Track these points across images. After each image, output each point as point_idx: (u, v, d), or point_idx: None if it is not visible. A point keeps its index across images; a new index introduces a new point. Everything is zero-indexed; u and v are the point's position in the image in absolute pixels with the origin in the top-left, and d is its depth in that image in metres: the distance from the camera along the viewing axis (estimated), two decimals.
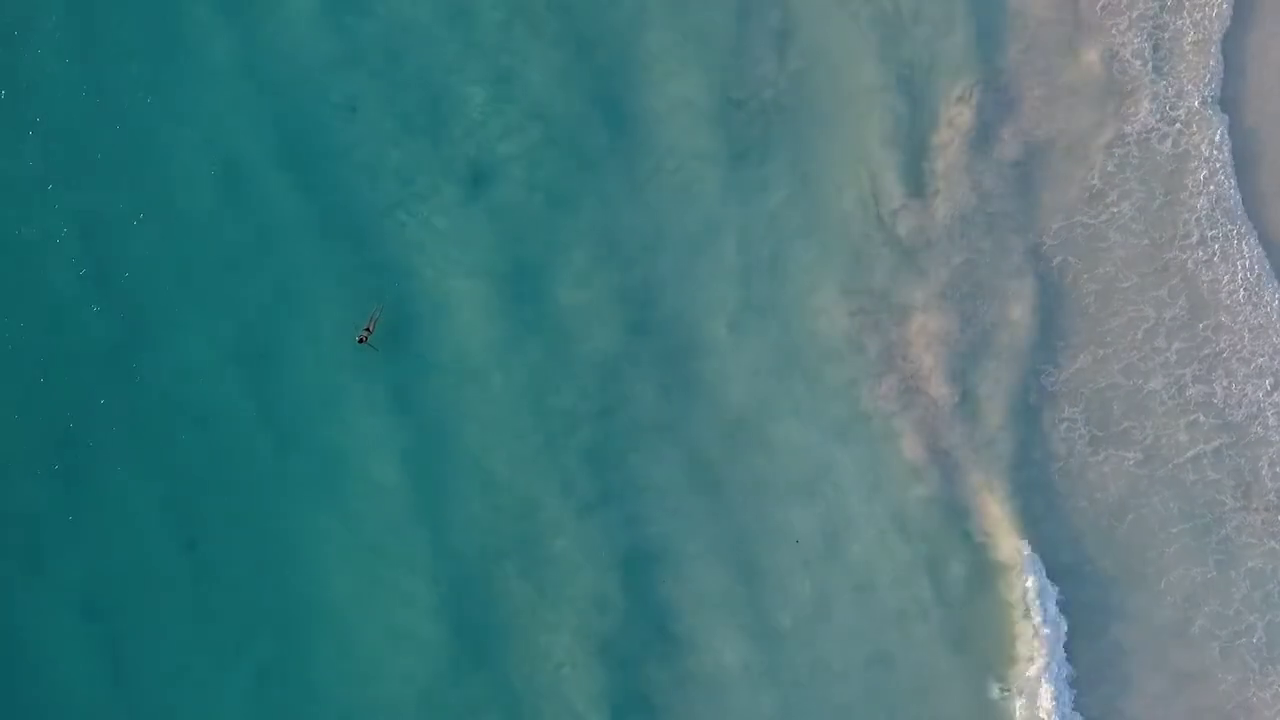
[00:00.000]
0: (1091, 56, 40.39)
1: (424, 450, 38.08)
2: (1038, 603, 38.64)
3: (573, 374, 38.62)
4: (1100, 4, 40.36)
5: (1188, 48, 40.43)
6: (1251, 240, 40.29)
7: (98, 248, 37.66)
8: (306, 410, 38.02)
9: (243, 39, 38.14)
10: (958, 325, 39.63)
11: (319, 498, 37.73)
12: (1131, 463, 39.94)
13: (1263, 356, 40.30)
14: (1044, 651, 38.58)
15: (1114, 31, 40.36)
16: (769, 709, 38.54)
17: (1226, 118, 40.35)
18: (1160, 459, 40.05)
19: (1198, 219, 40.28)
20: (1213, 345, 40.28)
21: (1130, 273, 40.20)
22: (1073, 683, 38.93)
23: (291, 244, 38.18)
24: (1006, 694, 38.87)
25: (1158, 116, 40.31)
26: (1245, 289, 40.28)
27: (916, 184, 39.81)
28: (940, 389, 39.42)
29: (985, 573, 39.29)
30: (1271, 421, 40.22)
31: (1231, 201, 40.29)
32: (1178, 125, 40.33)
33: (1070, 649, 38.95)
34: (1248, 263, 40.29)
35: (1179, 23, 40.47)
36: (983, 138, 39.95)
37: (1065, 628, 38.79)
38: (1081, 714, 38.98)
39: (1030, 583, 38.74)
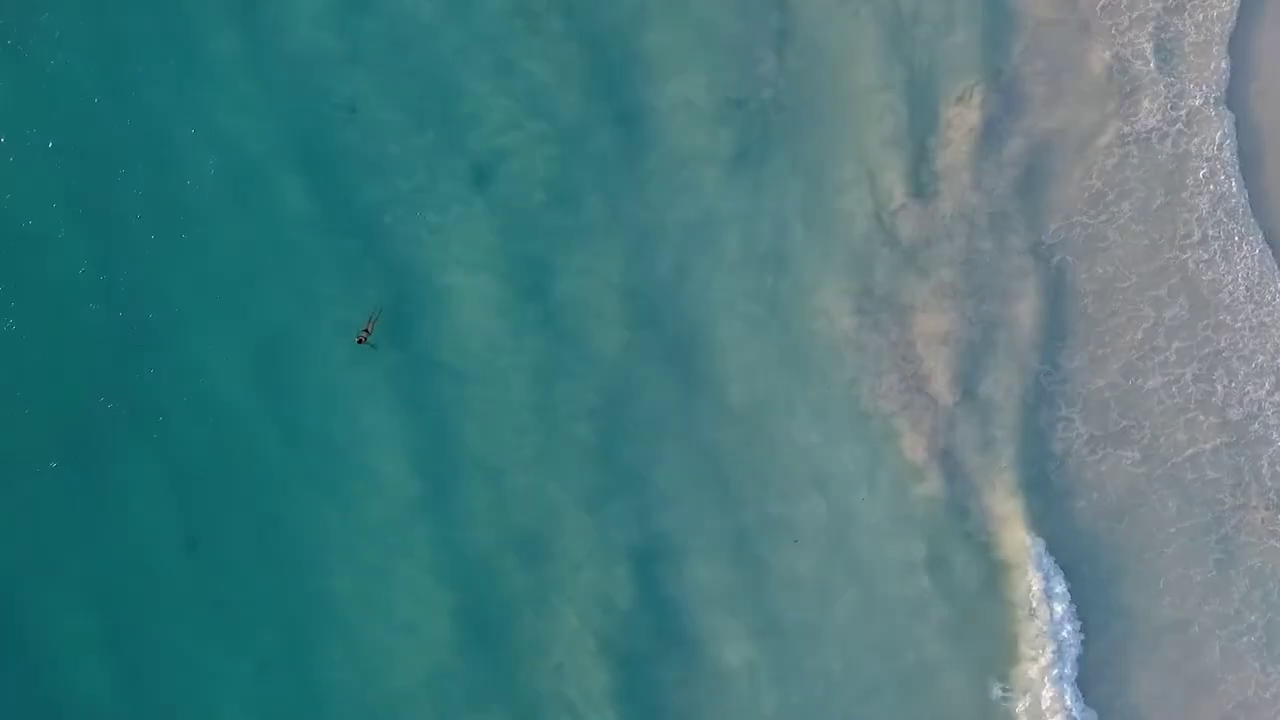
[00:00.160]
0: (1093, 57, 40.45)
1: (429, 446, 38.08)
2: (1044, 599, 38.69)
3: (577, 370, 38.62)
4: (1100, 4, 40.45)
5: (1188, 49, 40.48)
6: (1253, 239, 40.44)
7: (104, 245, 37.65)
8: (312, 406, 38.02)
9: (249, 38, 38.16)
10: (959, 325, 39.67)
11: (324, 492, 37.73)
12: (1129, 461, 39.99)
13: (1262, 355, 40.49)
14: (1051, 647, 38.65)
15: (1115, 32, 40.39)
16: (770, 707, 38.56)
17: (1229, 117, 40.42)
18: (1159, 458, 40.10)
19: (1198, 218, 40.34)
20: (1213, 344, 40.37)
21: (1130, 272, 40.25)
22: (1077, 679, 39.00)
23: (298, 242, 38.17)
24: (1008, 694, 38.86)
25: (1159, 117, 40.37)
26: (1247, 287, 40.43)
27: (917, 184, 39.83)
28: (941, 388, 39.45)
29: (987, 572, 39.34)
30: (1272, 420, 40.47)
31: (1234, 201, 40.40)
32: (1179, 125, 40.38)
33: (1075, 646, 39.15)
34: (1249, 261, 40.47)
35: (1180, 23, 40.53)
36: (983, 138, 39.97)
37: (1072, 623, 38.89)
38: (1091, 709, 39.16)
39: (1037, 579, 38.79)
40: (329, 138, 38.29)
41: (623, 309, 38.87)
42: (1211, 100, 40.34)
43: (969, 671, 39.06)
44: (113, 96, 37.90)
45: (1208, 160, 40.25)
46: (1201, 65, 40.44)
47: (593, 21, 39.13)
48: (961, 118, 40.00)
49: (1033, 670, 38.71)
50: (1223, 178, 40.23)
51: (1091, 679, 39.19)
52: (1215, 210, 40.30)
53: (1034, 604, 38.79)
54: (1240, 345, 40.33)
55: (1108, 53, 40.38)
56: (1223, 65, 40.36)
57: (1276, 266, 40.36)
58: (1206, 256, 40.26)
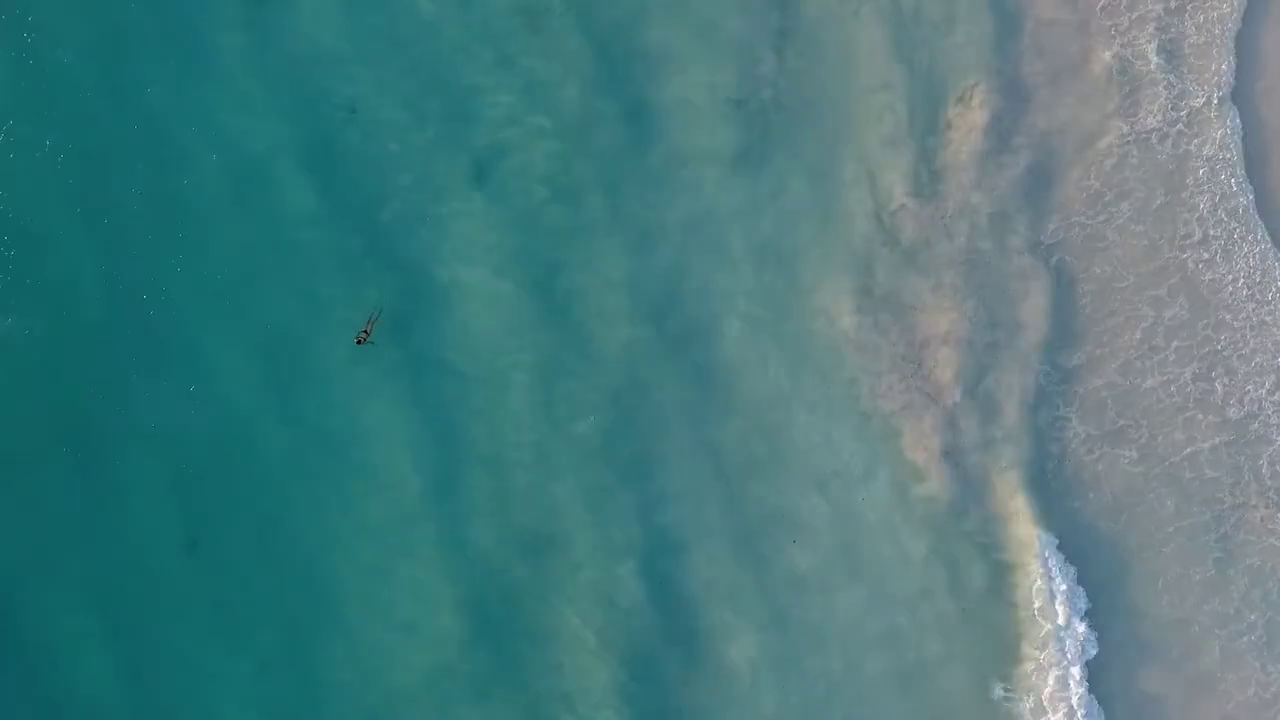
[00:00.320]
0: (1093, 57, 40.57)
1: (431, 444, 37.94)
2: (1049, 598, 38.68)
3: (578, 367, 38.55)
4: (1101, 4, 40.55)
5: (1189, 50, 40.60)
6: (1255, 237, 40.51)
7: (106, 244, 37.46)
8: (314, 404, 37.84)
9: (251, 38, 38.04)
10: (959, 325, 39.69)
11: (326, 491, 37.57)
12: (1128, 460, 40.09)
13: (1263, 354, 40.58)
14: (1056, 647, 38.62)
15: (1115, 32, 40.52)
16: (771, 706, 38.46)
17: (1231, 117, 40.56)
18: (1159, 457, 40.18)
19: (1199, 218, 40.43)
20: (1213, 343, 40.42)
21: (1129, 272, 40.34)
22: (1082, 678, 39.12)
23: (299, 240, 38.02)
24: (1010, 694, 38.83)
25: (1159, 117, 40.47)
26: (1248, 286, 40.49)
27: (917, 184, 39.89)
28: (941, 388, 39.47)
29: (988, 572, 39.36)
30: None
31: (1235, 200, 40.48)
32: (1179, 126, 40.49)
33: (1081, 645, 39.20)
34: (1251, 260, 40.52)
35: (1181, 24, 40.65)
36: (983, 138, 40.05)
37: (1078, 622, 38.92)
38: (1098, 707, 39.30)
39: (1040, 579, 38.77)
40: (331, 136, 38.17)
41: (624, 306, 38.81)
42: (1213, 100, 40.47)
43: (970, 671, 39.09)
44: (115, 96, 37.76)
45: (1208, 160, 40.37)
46: (1202, 66, 40.58)
47: (593, 21, 39.13)
48: (962, 118, 40.07)
49: (1036, 669, 38.73)
50: (1224, 177, 40.35)
51: (1095, 678, 39.20)
52: (1216, 210, 40.40)
53: (1038, 604, 38.80)
54: (1240, 344, 40.43)
55: (1108, 53, 40.50)
56: (1223, 66, 40.52)
57: (1279, 265, 40.54)
58: (1207, 256, 40.37)
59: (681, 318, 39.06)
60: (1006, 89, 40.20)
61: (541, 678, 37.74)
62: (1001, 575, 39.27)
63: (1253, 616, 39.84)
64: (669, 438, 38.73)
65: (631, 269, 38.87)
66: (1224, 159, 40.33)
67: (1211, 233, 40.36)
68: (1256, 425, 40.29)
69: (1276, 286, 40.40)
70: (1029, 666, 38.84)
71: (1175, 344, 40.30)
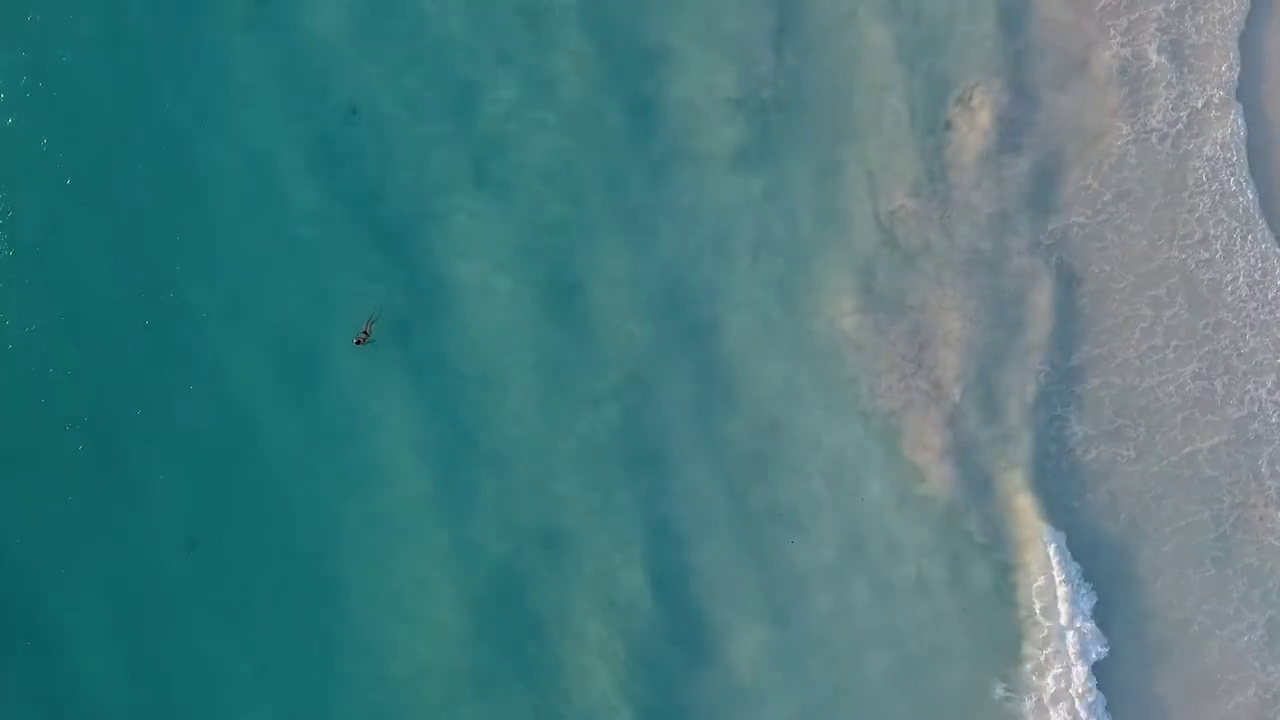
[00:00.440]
0: (1095, 57, 40.54)
1: (438, 440, 38.05)
2: (1052, 598, 38.71)
3: (589, 362, 38.63)
4: (1102, 4, 40.53)
5: (1189, 51, 40.59)
6: (1256, 236, 40.46)
7: (129, 246, 37.65)
8: (322, 400, 37.95)
9: (255, 37, 38.19)
10: (959, 325, 39.68)
11: (334, 487, 37.72)
12: (1127, 460, 40.05)
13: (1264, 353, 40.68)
14: (1060, 647, 38.62)
15: (1117, 33, 40.50)
16: (773, 706, 38.57)
17: (1233, 117, 40.51)
18: (1159, 456, 40.14)
19: (1199, 218, 40.44)
20: (1213, 343, 40.44)
21: (1129, 272, 40.32)
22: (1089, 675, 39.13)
23: (306, 239, 38.12)
24: (1011, 694, 38.83)
25: (1160, 117, 40.48)
26: (1249, 285, 40.46)
27: (916, 184, 39.87)
28: (941, 388, 39.45)
29: (988, 572, 39.30)
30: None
31: (1236, 200, 40.47)
32: (1179, 126, 40.49)
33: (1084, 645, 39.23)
34: (1252, 259, 40.46)
35: (1182, 25, 40.63)
36: (983, 138, 40.02)
37: (1082, 621, 38.92)
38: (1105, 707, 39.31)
39: (1041, 580, 38.80)
40: (334, 135, 38.24)
41: (625, 304, 38.87)
42: (1214, 101, 40.48)
43: (972, 672, 39.06)
44: (122, 96, 37.94)
45: (1208, 160, 40.37)
46: (1204, 67, 40.58)
47: (594, 21, 39.18)
48: (962, 118, 40.06)
49: (1038, 669, 38.73)
50: (1224, 177, 40.34)
51: (1098, 677, 39.11)
52: (1216, 210, 40.40)
53: (1040, 604, 38.79)
54: (1240, 343, 40.44)
55: (1109, 53, 40.49)
56: (1225, 68, 40.51)
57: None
58: (1207, 256, 40.36)
59: (682, 316, 39.11)
60: (1007, 89, 40.16)
61: (544, 674, 37.81)
62: (1003, 575, 39.23)
63: (1253, 616, 39.84)
64: (671, 435, 38.76)
65: (632, 267, 38.92)
66: (1225, 159, 40.33)
67: (1212, 232, 40.36)
68: (1256, 425, 40.35)
69: (1277, 286, 40.43)
70: (1031, 666, 38.83)
71: (1174, 343, 40.29)
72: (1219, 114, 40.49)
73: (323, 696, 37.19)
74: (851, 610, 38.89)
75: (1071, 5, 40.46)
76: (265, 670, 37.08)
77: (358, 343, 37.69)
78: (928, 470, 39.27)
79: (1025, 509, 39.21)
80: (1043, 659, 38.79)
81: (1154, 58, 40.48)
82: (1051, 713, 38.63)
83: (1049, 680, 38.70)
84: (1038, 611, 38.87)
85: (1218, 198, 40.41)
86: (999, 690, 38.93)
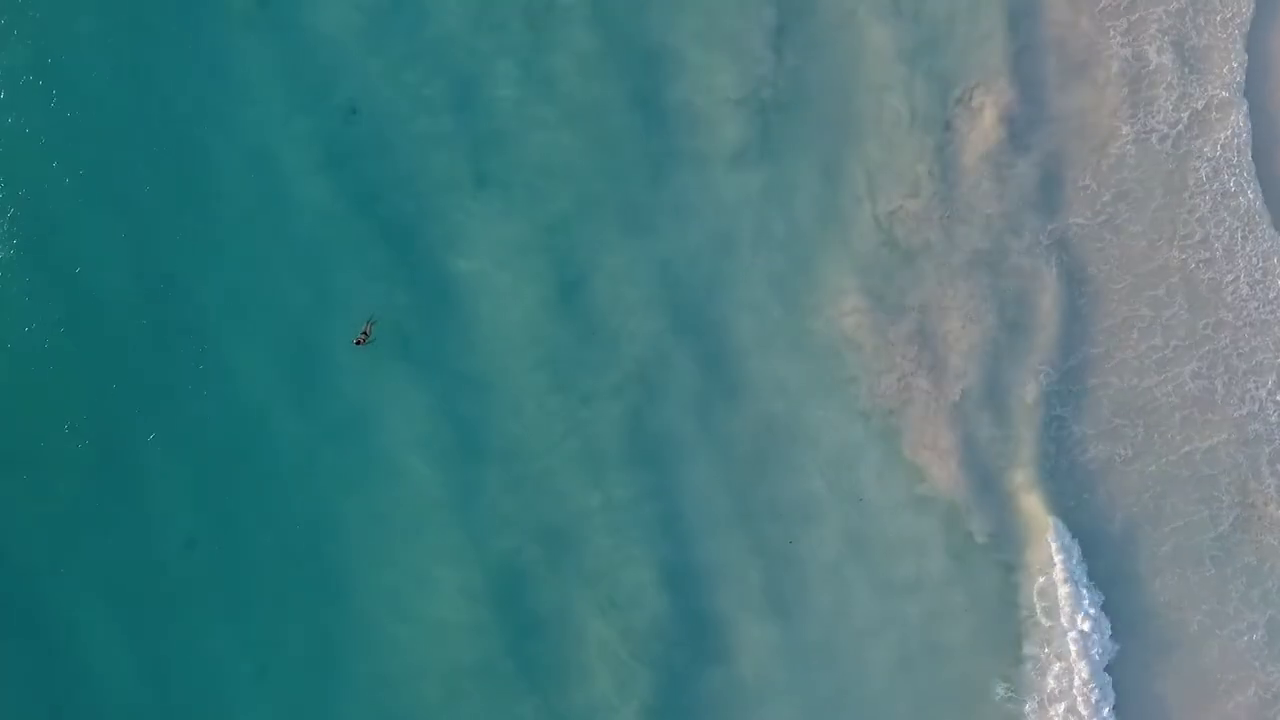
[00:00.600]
0: (1097, 58, 40.59)
1: (446, 437, 38.01)
2: (1055, 597, 38.74)
3: (591, 360, 38.62)
4: (1102, 6, 40.58)
5: (1191, 51, 40.66)
6: (1259, 235, 40.49)
7: (130, 245, 37.56)
8: (329, 399, 37.94)
9: (256, 36, 38.17)
10: (958, 324, 39.69)
11: (342, 487, 37.70)
12: (1123, 459, 40.08)
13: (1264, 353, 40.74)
14: (1063, 647, 38.65)
15: (1118, 34, 40.54)
16: (776, 704, 38.64)
17: (1235, 117, 40.56)
18: (1160, 456, 40.21)
19: (1199, 218, 40.48)
20: (1214, 342, 40.48)
21: (1128, 273, 40.36)
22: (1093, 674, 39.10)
23: (313, 238, 38.12)
24: (1012, 694, 38.80)
25: (1161, 118, 40.52)
26: (1249, 285, 40.52)
27: (916, 185, 39.88)
28: (940, 388, 39.44)
29: (989, 572, 39.35)
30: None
31: (1237, 199, 40.51)
32: (1180, 127, 40.55)
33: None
34: (1254, 259, 40.50)
35: (1183, 26, 40.70)
36: (983, 139, 40.04)
37: (1086, 620, 38.93)
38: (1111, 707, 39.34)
39: (1042, 580, 38.87)
40: (337, 133, 38.20)
41: (625, 302, 38.86)
42: (1215, 102, 40.55)
43: (973, 671, 39.13)
44: (130, 95, 37.94)
45: (1210, 160, 40.43)
46: (1205, 68, 40.65)
47: (595, 21, 39.14)
48: (962, 119, 40.07)
49: (1040, 669, 38.80)
50: (1226, 176, 40.40)
51: (1102, 676, 39.12)
52: (1217, 209, 40.45)
53: (1040, 604, 38.83)
54: (1241, 342, 40.49)
55: (1111, 54, 40.52)
56: (1225, 69, 40.59)
57: None
58: (1207, 255, 40.41)
59: (682, 316, 39.09)
60: (1007, 90, 40.14)
61: (545, 672, 37.84)
62: (1004, 575, 39.31)
63: (1253, 616, 39.87)
64: (672, 434, 38.77)
65: (633, 265, 38.91)
66: (1226, 159, 40.40)
67: (1213, 232, 40.42)
68: (1257, 425, 40.40)
69: (1278, 286, 40.48)
70: (1032, 666, 38.87)
71: (1173, 343, 40.35)
72: (1219, 115, 40.56)
73: (324, 695, 37.17)
74: (852, 611, 38.93)
75: (1072, 6, 40.49)
76: (265, 670, 37.10)
77: (357, 343, 37.65)
78: (927, 470, 39.29)
79: (1029, 509, 39.29)
80: (1044, 659, 38.82)
81: (1154, 58, 40.54)
82: (1052, 713, 38.62)
83: (1050, 680, 38.73)
84: (1039, 611, 38.91)
85: (1218, 198, 40.46)
86: (1000, 690, 38.93)
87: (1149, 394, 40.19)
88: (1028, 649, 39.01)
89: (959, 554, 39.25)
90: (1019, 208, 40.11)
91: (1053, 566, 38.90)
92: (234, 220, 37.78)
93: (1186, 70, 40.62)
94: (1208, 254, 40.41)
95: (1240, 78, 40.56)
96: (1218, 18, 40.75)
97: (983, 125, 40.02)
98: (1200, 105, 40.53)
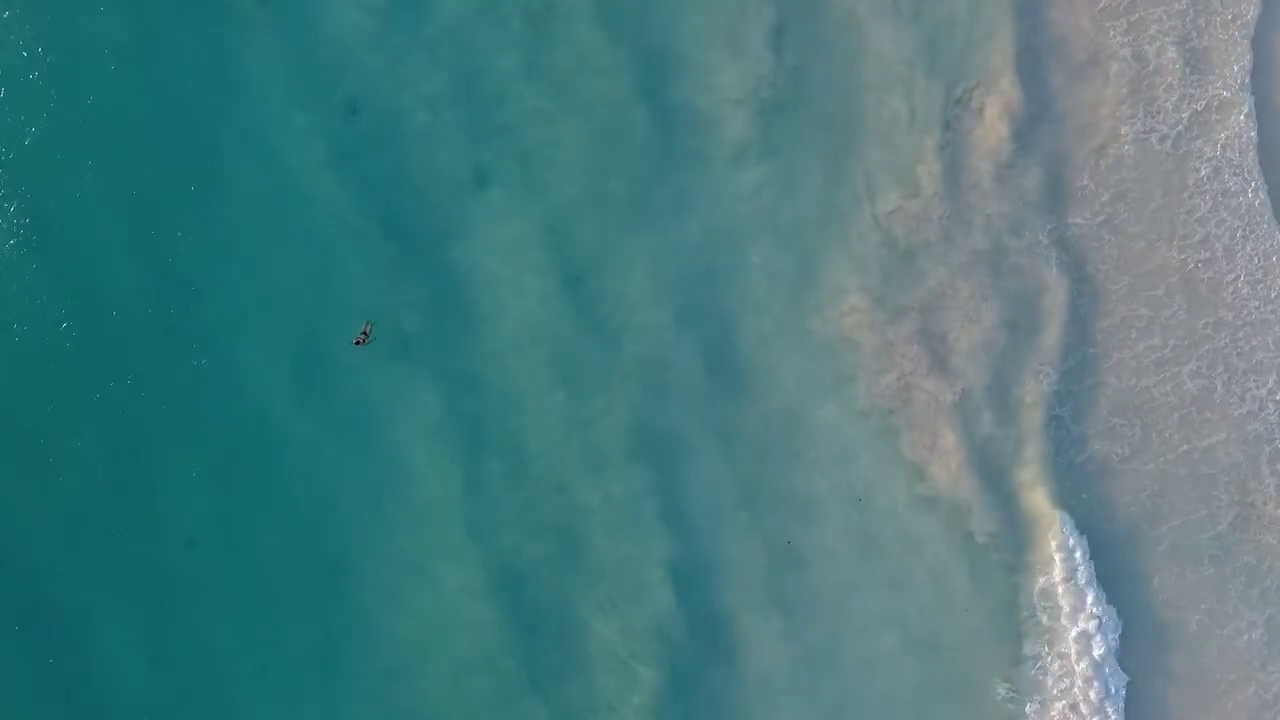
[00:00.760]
0: (1095, 59, 40.66)
1: (454, 435, 38.04)
2: (1057, 597, 38.77)
3: (598, 355, 38.69)
4: (1101, 6, 40.59)
5: (1191, 52, 40.73)
6: (1260, 235, 40.51)
7: (134, 242, 37.57)
8: (336, 397, 37.95)
9: (258, 35, 38.18)
10: (957, 324, 39.71)
11: (353, 484, 37.73)
12: (1120, 457, 40.12)
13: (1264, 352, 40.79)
14: (1066, 646, 38.69)
15: (1116, 34, 40.61)
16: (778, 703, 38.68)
17: (1237, 117, 40.59)
18: (1160, 455, 40.25)
19: (1199, 218, 40.56)
20: (1213, 341, 40.54)
21: (1127, 273, 40.39)
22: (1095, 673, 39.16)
23: (321, 238, 38.16)
24: (1013, 694, 38.82)
25: (1161, 119, 40.59)
26: (1250, 284, 40.58)
27: (915, 185, 39.89)
28: (939, 388, 39.45)
29: (988, 572, 39.37)
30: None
31: (1237, 199, 40.56)
32: (1180, 128, 40.62)
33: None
34: (1255, 259, 40.56)
35: (1184, 27, 40.78)
36: (981, 139, 40.09)
37: (1092, 617, 38.92)
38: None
39: (1049, 573, 38.93)
40: (341, 132, 38.23)
41: (625, 300, 38.89)
42: (1216, 102, 40.61)
43: (973, 671, 39.16)
44: (152, 102, 38.01)
45: (1209, 160, 40.48)
46: (1206, 69, 40.76)
47: (595, 21, 39.15)
48: (961, 119, 40.10)
49: (1041, 669, 38.79)
50: (1227, 175, 40.46)
51: (1105, 674, 39.13)
52: (1218, 209, 40.51)
53: (1042, 604, 38.87)
54: (1241, 342, 40.55)
55: (1111, 55, 40.61)
56: (1227, 70, 40.65)
57: None
58: (1207, 255, 40.46)
59: (682, 315, 39.05)
60: (1006, 91, 40.19)
61: (550, 668, 37.85)
62: (1004, 576, 39.35)
63: (1252, 615, 39.93)
64: (672, 433, 38.77)
65: (633, 263, 38.91)
66: (1227, 158, 40.47)
67: (1213, 232, 40.48)
68: (1257, 425, 40.46)
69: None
70: (1033, 666, 38.87)
71: (1172, 343, 40.39)
72: (1219, 115, 40.64)
73: (325, 692, 37.23)
74: (852, 611, 38.92)
75: (1072, 7, 40.52)
76: (265, 669, 37.17)
77: (356, 344, 37.65)
78: (927, 470, 39.34)
79: (1030, 508, 39.34)
80: (1045, 659, 38.85)
81: (1154, 59, 40.60)
82: (1053, 712, 38.66)
83: (1051, 680, 38.77)
84: (1040, 611, 38.91)
85: (1219, 197, 40.52)
86: (1001, 690, 38.94)
87: (1148, 393, 40.24)
88: (1028, 649, 39.04)
89: (959, 554, 39.26)
90: (1019, 208, 40.15)
91: (1053, 566, 38.93)
92: (235, 219, 37.77)
93: (1188, 70, 40.69)
94: (1208, 254, 40.47)
95: (1244, 78, 40.65)
96: (1218, 19, 40.83)
97: (982, 125, 40.08)
98: (1201, 106, 40.59)
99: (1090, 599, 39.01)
